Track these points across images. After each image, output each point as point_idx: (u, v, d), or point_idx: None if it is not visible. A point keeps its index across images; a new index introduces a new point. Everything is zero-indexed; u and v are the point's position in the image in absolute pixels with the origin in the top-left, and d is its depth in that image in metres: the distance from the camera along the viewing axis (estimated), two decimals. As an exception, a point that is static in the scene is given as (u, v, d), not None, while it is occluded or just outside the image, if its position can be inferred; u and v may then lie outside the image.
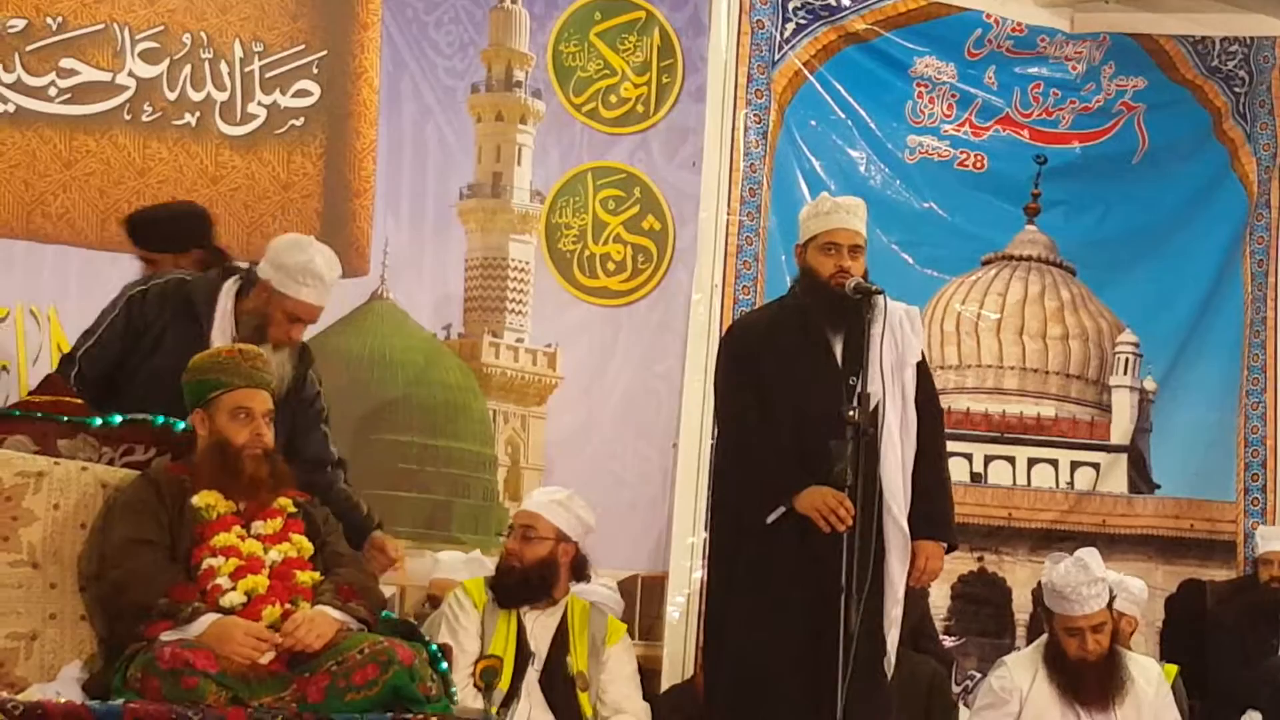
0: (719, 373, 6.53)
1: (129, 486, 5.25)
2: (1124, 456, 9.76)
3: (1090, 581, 6.64)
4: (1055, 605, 6.72)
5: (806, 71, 9.38)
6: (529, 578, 6.42)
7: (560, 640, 6.41)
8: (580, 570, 6.57)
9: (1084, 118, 9.85)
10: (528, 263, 8.86)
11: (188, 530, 5.11)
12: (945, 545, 6.36)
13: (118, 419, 5.60)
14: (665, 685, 8.35)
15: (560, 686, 6.31)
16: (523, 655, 6.28)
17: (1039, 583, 7.13)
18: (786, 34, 9.30)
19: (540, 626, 6.41)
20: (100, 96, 8.12)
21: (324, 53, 8.52)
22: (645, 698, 6.76)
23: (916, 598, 7.72)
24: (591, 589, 7.10)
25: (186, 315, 6.00)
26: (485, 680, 5.53)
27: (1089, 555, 6.75)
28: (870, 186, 9.41)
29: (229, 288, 6.06)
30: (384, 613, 5.32)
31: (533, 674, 6.30)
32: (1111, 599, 6.79)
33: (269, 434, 5.29)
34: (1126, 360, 9.79)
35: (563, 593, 6.50)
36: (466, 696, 5.63)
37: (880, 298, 6.10)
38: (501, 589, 6.45)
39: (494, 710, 5.53)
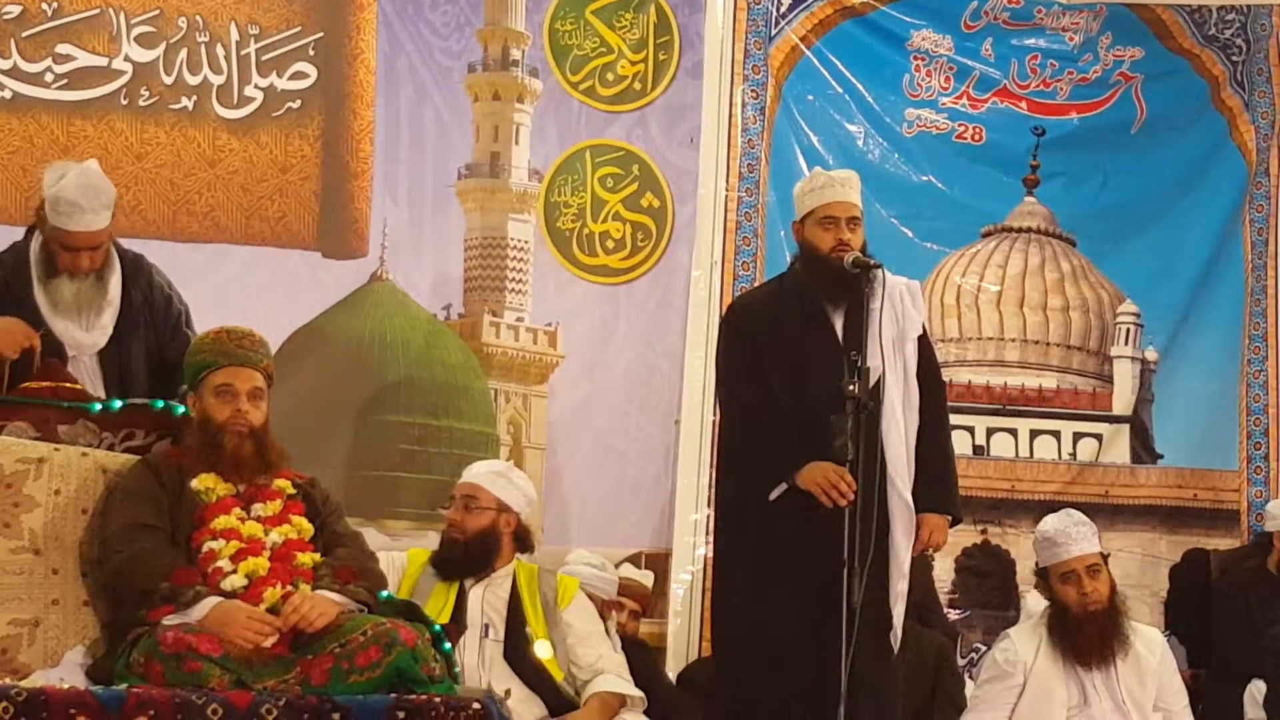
0: (720, 351, 6.52)
1: (128, 472, 5.27)
2: (1126, 427, 9.74)
3: (1078, 523, 6.71)
4: (1048, 556, 6.72)
5: (803, 46, 9.36)
6: (471, 549, 6.28)
7: (515, 610, 6.27)
8: (524, 541, 6.44)
9: (1082, 88, 9.81)
10: (527, 242, 8.84)
11: (187, 514, 5.13)
12: (949, 518, 6.38)
13: (117, 404, 5.63)
14: (671, 661, 8.37)
15: (528, 657, 6.17)
16: (458, 627, 6.07)
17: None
18: (782, 9, 9.28)
19: (491, 598, 6.26)
20: (97, 81, 8.12)
21: (320, 34, 8.51)
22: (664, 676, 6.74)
23: (921, 571, 7.72)
24: (578, 569, 7.09)
25: (6, 293, 6.16)
26: None
27: (1072, 510, 6.86)
28: (868, 160, 9.38)
29: (34, 244, 6.23)
30: (384, 593, 5.32)
31: (495, 648, 6.16)
32: (1106, 556, 6.83)
33: (255, 412, 5.31)
34: (1128, 330, 9.77)
35: (505, 562, 6.36)
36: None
37: (879, 271, 6.10)
38: (443, 562, 6.31)
39: None
